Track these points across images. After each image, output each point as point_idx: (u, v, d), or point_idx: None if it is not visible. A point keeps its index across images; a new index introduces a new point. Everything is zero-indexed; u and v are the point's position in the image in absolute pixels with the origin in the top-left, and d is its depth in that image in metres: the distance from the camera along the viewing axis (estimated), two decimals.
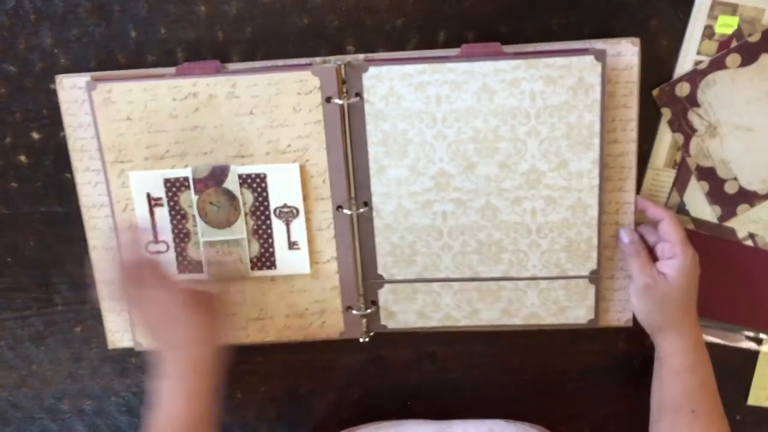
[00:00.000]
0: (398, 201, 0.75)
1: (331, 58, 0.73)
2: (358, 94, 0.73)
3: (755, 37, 0.73)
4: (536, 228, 0.75)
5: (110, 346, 0.81)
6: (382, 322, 0.80)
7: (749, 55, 0.73)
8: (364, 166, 0.75)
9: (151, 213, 0.76)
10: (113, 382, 0.86)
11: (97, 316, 0.82)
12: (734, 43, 0.73)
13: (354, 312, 0.79)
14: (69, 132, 0.75)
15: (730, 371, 0.83)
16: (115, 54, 0.75)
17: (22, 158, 0.78)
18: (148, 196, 0.76)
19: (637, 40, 0.71)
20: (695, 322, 0.74)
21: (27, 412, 0.87)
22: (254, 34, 0.74)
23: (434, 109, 0.72)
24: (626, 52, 0.71)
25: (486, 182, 0.74)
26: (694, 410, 0.73)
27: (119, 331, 0.81)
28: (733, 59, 0.73)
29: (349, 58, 0.73)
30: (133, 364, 0.85)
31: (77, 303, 0.82)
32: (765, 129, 0.75)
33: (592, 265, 0.75)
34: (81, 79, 0.74)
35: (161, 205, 0.76)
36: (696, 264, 0.73)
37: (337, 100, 0.72)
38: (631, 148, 0.74)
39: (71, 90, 0.74)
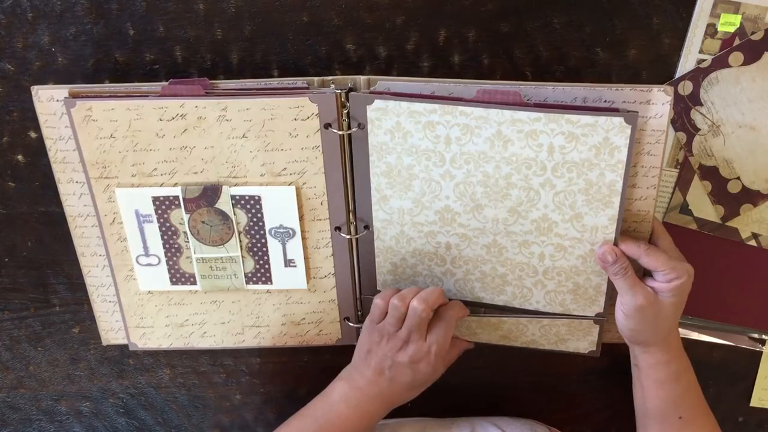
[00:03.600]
0: (401, 228, 0.73)
1: (330, 78, 0.70)
2: (360, 125, 0.69)
3: (758, 35, 0.72)
4: (543, 270, 0.71)
5: (104, 343, 0.81)
6: None
7: (752, 53, 0.72)
8: (365, 193, 0.72)
9: (141, 228, 0.74)
10: (111, 384, 0.85)
11: (94, 318, 0.81)
12: (737, 42, 0.72)
13: (351, 324, 0.78)
14: (49, 144, 0.72)
15: (733, 372, 0.83)
16: (113, 52, 0.74)
17: (20, 158, 0.78)
18: (137, 212, 0.73)
19: (670, 89, 0.65)
20: (677, 330, 0.73)
21: (24, 414, 0.86)
22: (253, 32, 0.74)
23: (443, 149, 0.68)
24: (657, 101, 0.65)
25: (494, 224, 0.70)
26: (681, 416, 0.72)
27: (113, 329, 0.80)
28: (736, 57, 0.73)
29: (349, 80, 0.69)
30: (131, 366, 0.84)
31: (75, 304, 0.82)
32: None
33: (599, 308, 0.73)
34: (59, 92, 0.70)
35: (151, 221, 0.73)
36: (692, 277, 0.69)
37: (335, 131, 0.69)
38: (651, 193, 0.69)
39: (49, 102, 0.70)
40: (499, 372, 0.84)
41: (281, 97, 0.68)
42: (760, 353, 0.82)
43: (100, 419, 0.87)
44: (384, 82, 0.69)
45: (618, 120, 0.64)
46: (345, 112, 0.69)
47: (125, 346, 0.83)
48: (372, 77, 0.69)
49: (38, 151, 0.77)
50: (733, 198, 0.76)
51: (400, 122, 0.68)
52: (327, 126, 0.69)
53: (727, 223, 0.77)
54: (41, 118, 0.71)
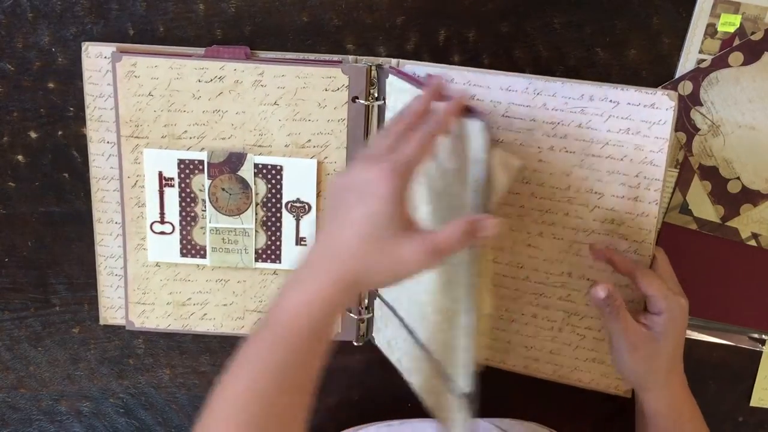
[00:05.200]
0: None
1: (363, 58, 0.73)
2: (384, 99, 0.72)
3: (758, 36, 0.72)
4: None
5: (102, 322, 0.81)
6: (373, 334, 0.79)
7: (752, 53, 0.72)
8: None
9: (161, 192, 0.76)
10: (111, 384, 0.85)
11: (94, 318, 0.81)
12: (737, 42, 0.72)
13: (352, 315, 0.79)
14: (88, 101, 0.74)
15: (734, 372, 0.83)
16: None
17: (20, 158, 0.78)
18: (160, 175, 0.75)
19: (674, 95, 0.63)
20: (681, 374, 0.69)
21: (24, 414, 0.86)
22: (253, 33, 0.74)
23: None
24: (661, 105, 0.63)
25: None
26: None
27: (114, 307, 0.80)
28: (736, 57, 0.73)
29: (380, 60, 0.72)
30: (131, 366, 0.84)
31: (75, 304, 0.82)
32: None
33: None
34: (107, 49, 0.72)
35: (172, 185, 0.75)
36: (685, 313, 0.65)
37: (362, 101, 0.72)
38: (652, 210, 0.66)
39: (96, 59, 0.73)
40: (496, 372, 0.83)
41: (316, 66, 0.72)
42: (760, 353, 0.82)
43: (100, 419, 0.87)
44: (411, 66, 0.71)
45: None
46: (372, 89, 0.72)
47: (125, 347, 0.83)
48: (402, 60, 0.72)
49: (38, 151, 0.77)
50: (733, 198, 0.76)
51: (405, 101, 0.69)
52: (354, 99, 0.72)
53: (727, 223, 0.78)
54: (86, 74, 0.73)
